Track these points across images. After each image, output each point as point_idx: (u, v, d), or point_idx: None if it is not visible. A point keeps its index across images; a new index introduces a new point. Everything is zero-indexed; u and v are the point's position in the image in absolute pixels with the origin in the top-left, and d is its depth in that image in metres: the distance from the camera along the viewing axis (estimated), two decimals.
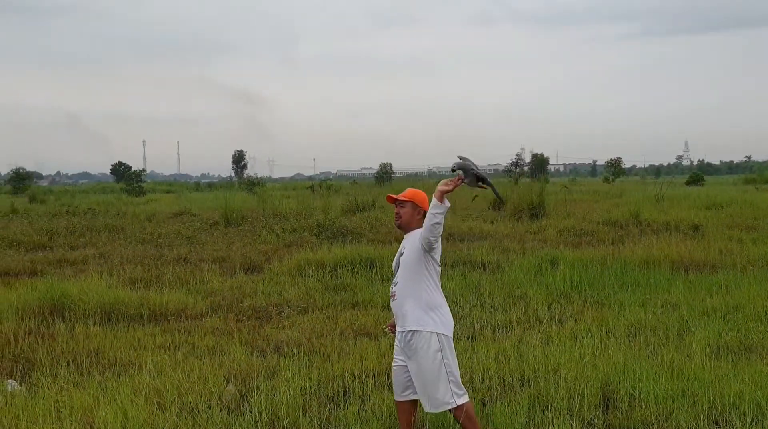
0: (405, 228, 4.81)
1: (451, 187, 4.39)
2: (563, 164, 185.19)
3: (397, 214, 4.83)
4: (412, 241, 4.67)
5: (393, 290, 4.73)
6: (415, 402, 4.74)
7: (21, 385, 6.30)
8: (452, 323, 4.68)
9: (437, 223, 4.41)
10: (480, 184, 4.60)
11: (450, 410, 4.57)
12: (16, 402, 5.52)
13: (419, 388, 4.60)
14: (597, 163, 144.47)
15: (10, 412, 5.29)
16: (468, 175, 4.51)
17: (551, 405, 5.36)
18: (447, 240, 15.54)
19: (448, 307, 4.69)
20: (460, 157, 4.57)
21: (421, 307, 4.58)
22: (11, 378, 6.56)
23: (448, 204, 4.43)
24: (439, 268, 4.67)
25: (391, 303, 4.77)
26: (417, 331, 4.55)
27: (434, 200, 4.41)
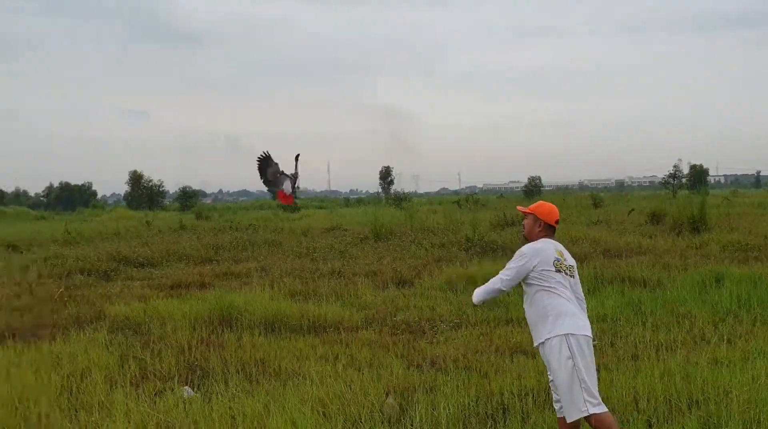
0: (528, 239, 4.99)
1: None
2: (724, 175, 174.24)
3: (522, 225, 5.09)
4: None
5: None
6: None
7: (196, 392, 6.75)
8: (585, 326, 4.69)
9: (485, 298, 5.11)
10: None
11: (588, 420, 4.55)
12: (193, 408, 5.92)
13: (561, 398, 4.66)
14: (761, 174, 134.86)
15: (189, 417, 5.68)
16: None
17: None
18: (603, 255, 15.08)
19: (578, 313, 4.73)
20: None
21: (541, 317, 4.71)
22: (187, 385, 7.03)
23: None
24: (557, 276, 4.73)
25: None
26: (542, 342, 4.69)
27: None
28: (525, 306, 4.90)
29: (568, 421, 4.65)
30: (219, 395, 6.33)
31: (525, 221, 5.04)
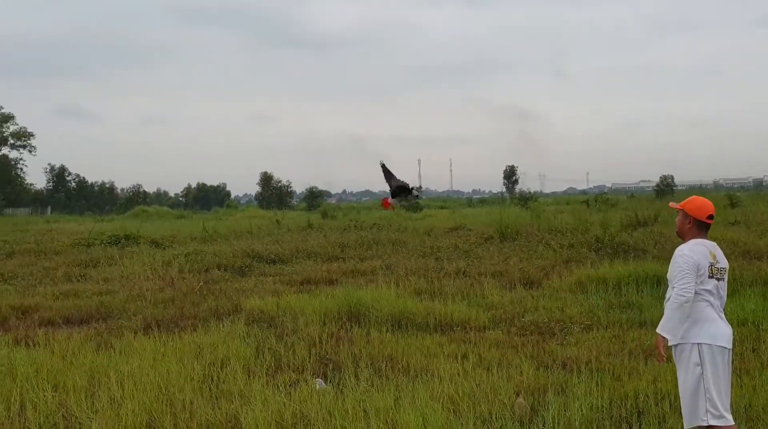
0: (680, 236, 4.80)
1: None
2: None
3: (676, 222, 4.89)
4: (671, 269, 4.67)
5: (665, 303, 4.75)
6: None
7: (328, 384, 6.94)
8: (723, 335, 4.46)
9: (675, 325, 4.53)
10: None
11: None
12: (326, 400, 6.08)
13: (681, 401, 4.53)
14: None
15: (323, 408, 5.84)
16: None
17: None
18: (743, 257, 14.25)
19: (718, 319, 4.52)
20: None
21: (680, 319, 4.52)
22: (319, 377, 7.24)
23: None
24: (708, 282, 4.53)
25: None
26: (675, 345, 4.55)
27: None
28: (666, 302, 4.70)
29: (686, 427, 4.52)
30: (350, 389, 6.48)
31: (677, 218, 4.85)
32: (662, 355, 4.56)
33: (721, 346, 4.45)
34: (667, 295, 4.67)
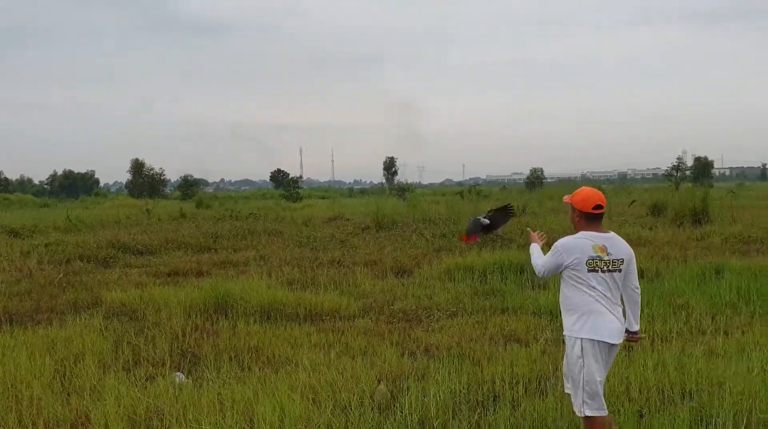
0: (575, 229, 4.71)
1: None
2: (729, 168, 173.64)
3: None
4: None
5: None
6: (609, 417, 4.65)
7: (188, 378, 6.73)
8: (608, 330, 4.49)
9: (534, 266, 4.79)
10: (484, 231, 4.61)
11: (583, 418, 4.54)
12: (183, 393, 5.90)
13: (571, 389, 4.61)
14: (767, 167, 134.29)
15: (178, 403, 5.66)
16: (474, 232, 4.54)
17: (715, 420, 5.05)
18: None
19: (605, 312, 4.50)
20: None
21: (567, 311, 4.59)
22: (179, 371, 7.01)
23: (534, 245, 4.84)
24: (590, 276, 4.51)
25: None
26: (564, 335, 4.62)
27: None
28: (560, 291, 4.70)
29: (573, 411, 4.62)
30: (210, 382, 6.32)
31: (569, 212, 4.76)
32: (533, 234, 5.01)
33: (604, 342, 4.48)
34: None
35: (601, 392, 4.51)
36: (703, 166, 64.87)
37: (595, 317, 4.48)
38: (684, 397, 5.72)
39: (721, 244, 15.25)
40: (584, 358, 4.45)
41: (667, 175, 53.16)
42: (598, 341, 4.48)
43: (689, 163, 62.94)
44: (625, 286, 4.64)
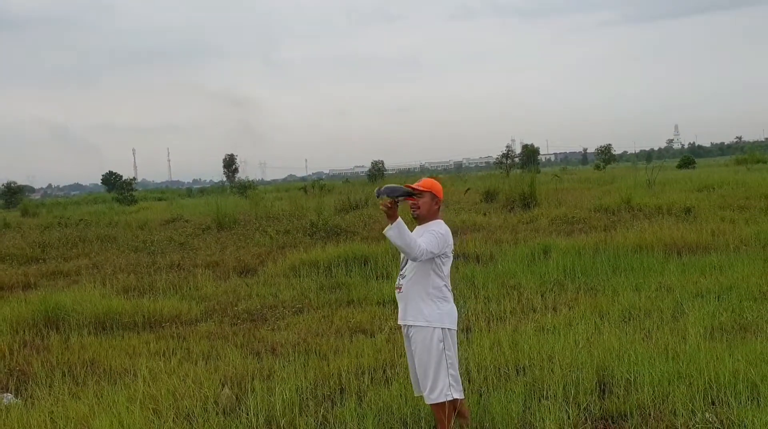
0: (424, 219, 4.67)
1: (385, 211, 4.32)
2: (554, 154, 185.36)
3: (414, 205, 4.65)
4: (423, 234, 4.53)
5: (399, 283, 4.68)
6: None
7: (17, 398, 6.27)
8: (456, 316, 4.66)
9: (401, 245, 4.32)
10: (401, 197, 4.58)
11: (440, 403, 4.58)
12: (11, 415, 5.49)
13: (420, 380, 4.62)
14: (588, 151, 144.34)
15: (7, 425, 5.27)
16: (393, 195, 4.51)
17: (547, 393, 5.36)
18: None
19: (452, 300, 4.67)
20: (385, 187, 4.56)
21: (426, 300, 4.55)
22: (7, 391, 6.52)
23: (393, 225, 4.28)
24: (449, 261, 4.64)
25: (396, 295, 4.72)
26: (418, 325, 4.54)
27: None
28: (406, 281, 4.60)
29: (428, 402, 4.64)
30: (41, 400, 5.93)
31: (421, 200, 4.62)
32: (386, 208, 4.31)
33: (456, 330, 4.65)
34: (402, 277, 4.65)
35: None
36: (530, 153, 68.51)
37: (451, 306, 4.63)
38: (518, 372, 6.02)
39: (548, 226, 16.22)
40: (445, 343, 4.53)
41: (498, 163, 55.72)
42: (454, 330, 4.64)
43: (518, 150, 66.31)
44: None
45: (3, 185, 62.77)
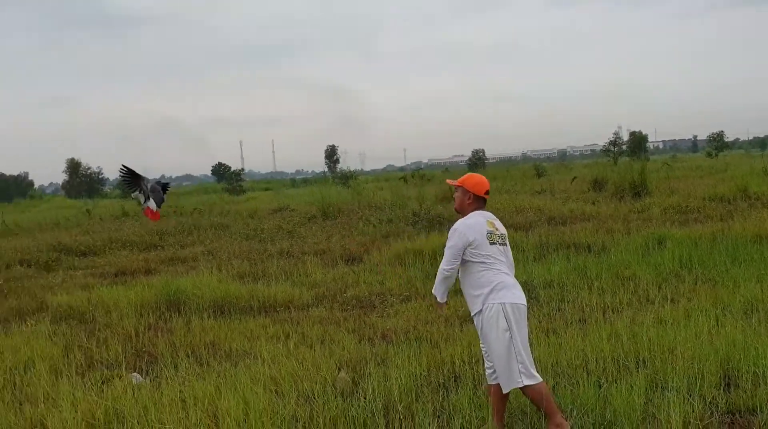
0: (460, 212, 4.94)
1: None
2: (662, 141, 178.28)
3: (453, 199, 5.01)
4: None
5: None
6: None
7: (145, 378, 6.62)
8: (518, 296, 4.67)
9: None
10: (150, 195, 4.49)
11: (523, 391, 4.62)
12: (142, 394, 5.80)
13: (496, 368, 4.67)
14: (698, 139, 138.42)
15: (138, 403, 5.55)
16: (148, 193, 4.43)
17: (670, 385, 5.21)
18: (548, 223, 15.32)
19: (513, 285, 4.71)
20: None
21: (476, 289, 4.71)
22: (135, 372, 6.89)
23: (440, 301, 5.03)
24: (492, 249, 4.70)
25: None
26: (479, 310, 4.69)
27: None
28: (461, 278, 4.84)
29: (504, 391, 4.68)
30: (169, 380, 6.22)
31: (455, 194, 4.97)
32: (441, 307, 5.10)
33: (523, 305, 4.66)
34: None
35: (531, 361, 4.65)
36: (638, 140, 66.41)
37: (507, 289, 4.66)
38: (638, 365, 5.88)
39: (660, 215, 15.68)
40: (510, 329, 4.54)
41: (605, 151, 54.29)
42: (520, 304, 4.64)
43: (625, 137, 64.39)
44: (509, 260, 4.89)
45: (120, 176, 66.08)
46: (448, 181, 5.10)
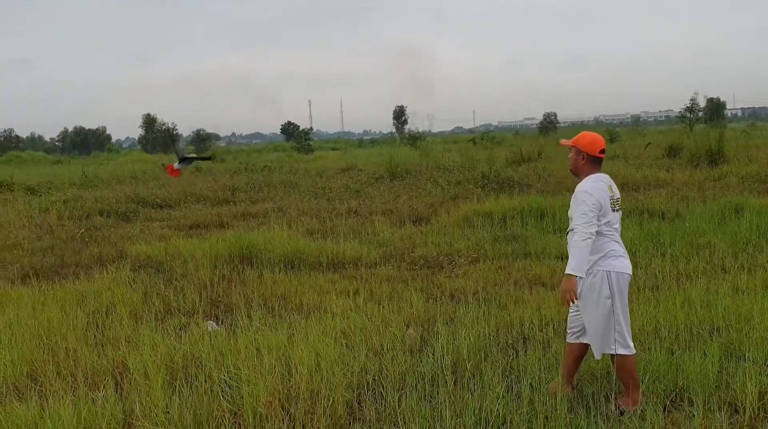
0: (576, 174, 4.70)
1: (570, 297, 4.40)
2: (741, 108, 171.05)
3: (568, 159, 4.74)
4: (572, 212, 4.53)
5: (567, 238, 4.66)
6: (585, 346, 4.74)
7: (220, 326, 6.85)
8: (624, 267, 4.53)
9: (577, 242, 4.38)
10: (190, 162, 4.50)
11: (612, 357, 4.59)
12: (218, 341, 6.00)
13: (589, 333, 4.61)
14: None
15: (214, 349, 5.76)
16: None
17: (746, 355, 5.11)
18: (621, 189, 14.87)
19: (623, 254, 4.56)
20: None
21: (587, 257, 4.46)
22: (211, 319, 7.13)
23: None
24: (611, 216, 4.51)
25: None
26: (582, 277, 4.43)
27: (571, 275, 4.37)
28: (570, 240, 4.51)
29: (596, 357, 4.65)
30: (243, 329, 6.42)
31: (569, 156, 4.70)
32: (575, 295, 4.37)
33: (628, 274, 4.53)
34: (569, 233, 4.58)
35: (629, 331, 4.58)
36: (715, 107, 63.92)
37: (617, 258, 4.52)
38: (713, 333, 5.78)
39: (738, 184, 15.19)
40: (613, 297, 4.45)
41: (681, 117, 52.47)
42: (626, 274, 4.52)
43: (702, 104, 62.09)
44: (618, 228, 4.67)
45: (193, 132, 67.57)
46: (561, 141, 4.77)
